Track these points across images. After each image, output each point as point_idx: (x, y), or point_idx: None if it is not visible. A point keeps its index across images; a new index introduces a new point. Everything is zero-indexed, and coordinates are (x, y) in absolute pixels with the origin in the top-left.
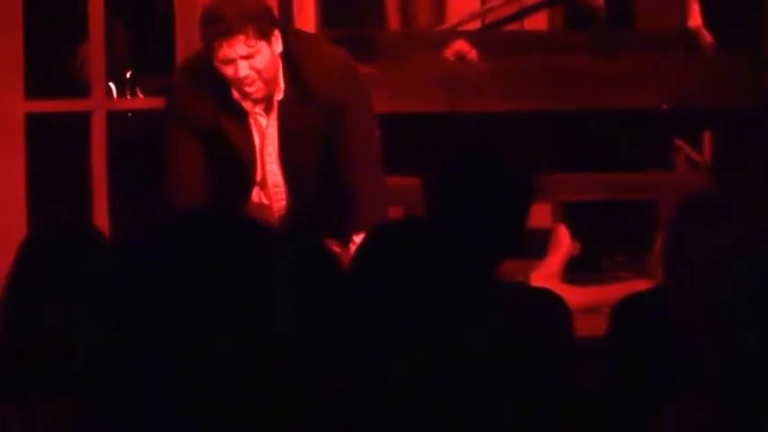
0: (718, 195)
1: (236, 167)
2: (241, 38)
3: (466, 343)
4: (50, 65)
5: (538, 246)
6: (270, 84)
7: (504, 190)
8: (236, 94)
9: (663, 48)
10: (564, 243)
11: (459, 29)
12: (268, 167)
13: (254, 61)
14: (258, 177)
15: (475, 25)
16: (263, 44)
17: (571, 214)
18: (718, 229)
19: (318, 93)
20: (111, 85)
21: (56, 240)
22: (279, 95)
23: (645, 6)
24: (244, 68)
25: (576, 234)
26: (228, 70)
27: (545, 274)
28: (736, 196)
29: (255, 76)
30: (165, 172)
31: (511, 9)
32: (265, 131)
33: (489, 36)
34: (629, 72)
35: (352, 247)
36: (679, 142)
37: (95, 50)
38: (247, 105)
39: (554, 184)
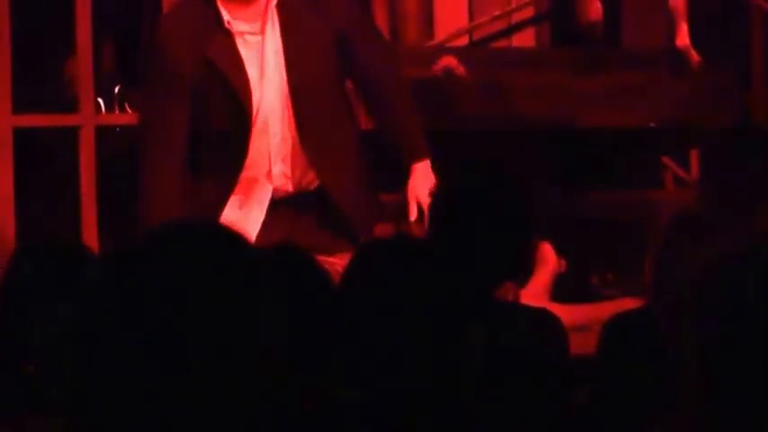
0: (706, 212)
1: (231, 102)
2: None
3: (462, 363)
4: (39, 80)
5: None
6: None
7: (504, 207)
8: (225, 19)
9: (650, 66)
10: (550, 260)
11: (448, 45)
12: (266, 94)
13: None
14: (254, 110)
15: (463, 42)
16: None
17: (554, 232)
18: (706, 245)
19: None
20: (100, 99)
21: (44, 256)
22: (273, 1)
23: (632, 26)
24: None
25: (560, 251)
26: None
27: (533, 293)
28: (724, 213)
29: None
30: (141, 133)
31: (499, 26)
32: (264, 49)
33: (477, 53)
34: (617, 91)
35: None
36: (667, 161)
37: (83, 65)
38: (236, 23)
39: (544, 201)
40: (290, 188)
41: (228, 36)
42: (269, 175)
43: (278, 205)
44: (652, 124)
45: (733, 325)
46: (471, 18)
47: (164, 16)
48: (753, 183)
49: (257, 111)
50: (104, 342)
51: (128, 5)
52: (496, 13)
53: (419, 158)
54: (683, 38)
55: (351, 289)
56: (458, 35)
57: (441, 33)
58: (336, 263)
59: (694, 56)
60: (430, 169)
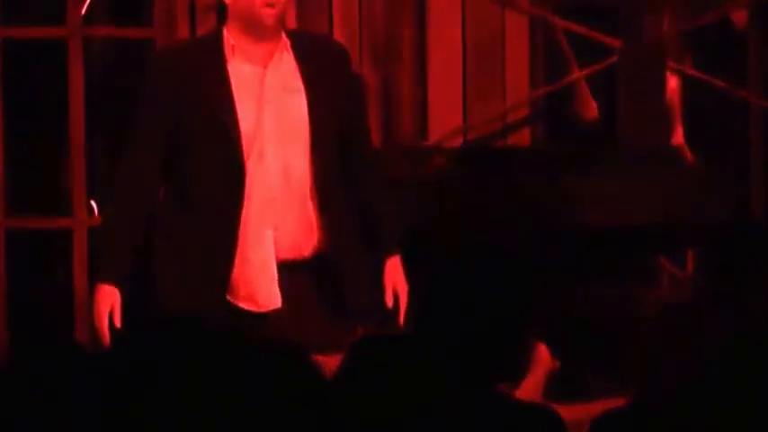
0: (699, 306)
1: (216, 126)
2: None
3: None
4: (32, 181)
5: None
6: (281, 22)
7: (497, 308)
8: (230, 43)
9: (646, 164)
10: (544, 361)
11: (442, 145)
12: (263, 126)
13: None
14: (243, 137)
15: (457, 141)
16: None
17: (549, 330)
18: (699, 338)
19: (335, 58)
20: (93, 202)
21: (39, 355)
22: (282, 42)
23: (628, 124)
24: None
25: (554, 349)
26: None
27: (527, 393)
28: (718, 307)
29: None
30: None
31: (494, 125)
32: (264, 84)
33: (472, 152)
34: (613, 189)
35: (389, 272)
36: (662, 259)
37: (76, 168)
38: (240, 53)
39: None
40: (292, 235)
41: (221, 61)
42: (267, 216)
43: (280, 274)
44: (647, 222)
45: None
46: (466, 118)
47: (157, 62)
48: (747, 280)
49: (249, 141)
50: None
51: (121, 108)
52: (491, 112)
53: (393, 253)
54: (678, 136)
55: (344, 391)
56: (452, 135)
57: (435, 133)
58: (331, 362)
59: (689, 154)
60: (401, 263)
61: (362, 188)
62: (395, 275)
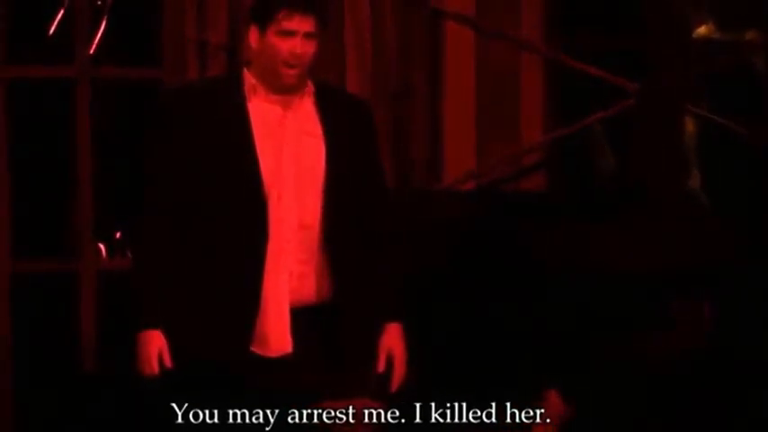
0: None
1: (236, 161)
2: (312, 18)
3: None
4: (38, 221)
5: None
6: (304, 77)
7: (503, 365)
8: (247, 84)
9: (660, 211)
10: (556, 408)
11: (456, 188)
12: (283, 168)
13: (309, 46)
14: (263, 176)
15: (471, 185)
16: (318, 37)
17: (562, 377)
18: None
19: (357, 113)
20: (101, 245)
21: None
22: (307, 88)
23: (644, 168)
24: (303, 45)
25: (567, 398)
26: (285, 43)
27: None
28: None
29: (305, 60)
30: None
31: (508, 169)
32: (285, 126)
33: (486, 196)
34: (626, 234)
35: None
36: (679, 305)
37: (84, 211)
38: (260, 93)
39: (550, 347)
40: (303, 280)
41: (241, 99)
42: (282, 259)
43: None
44: (660, 268)
45: None
46: (479, 161)
47: (170, 96)
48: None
49: (270, 182)
50: None
51: (128, 151)
52: (505, 155)
53: (394, 319)
54: (693, 181)
55: None
56: (466, 178)
57: (448, 177)
58: (338, 408)
59: (704, 200)
60: (401, 330)
61: (373, 248)
62: (392, 342)
